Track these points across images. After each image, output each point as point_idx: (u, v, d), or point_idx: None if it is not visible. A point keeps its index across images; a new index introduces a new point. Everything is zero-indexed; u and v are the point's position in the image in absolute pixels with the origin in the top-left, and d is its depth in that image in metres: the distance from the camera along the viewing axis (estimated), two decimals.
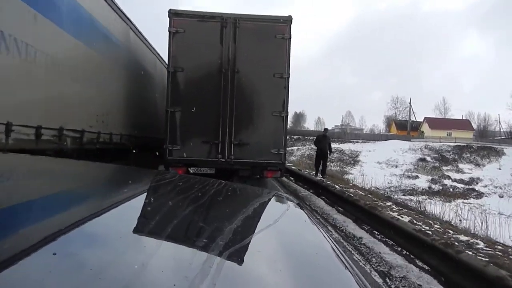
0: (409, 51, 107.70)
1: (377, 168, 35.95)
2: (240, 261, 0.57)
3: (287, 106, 6.68)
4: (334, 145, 44.86)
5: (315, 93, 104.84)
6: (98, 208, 0.74)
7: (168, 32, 6.33)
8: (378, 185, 27.95)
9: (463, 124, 54.48)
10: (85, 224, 0.62)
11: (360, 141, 43.80)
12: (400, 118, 66.83)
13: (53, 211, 0.70)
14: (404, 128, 56.82)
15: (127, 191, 1.03)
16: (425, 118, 56.82)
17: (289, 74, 6.58)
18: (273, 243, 0.73)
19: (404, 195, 29.42)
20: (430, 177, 33.23)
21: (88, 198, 0.88)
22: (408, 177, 33.42)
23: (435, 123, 53.80)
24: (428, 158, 36.66)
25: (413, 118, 54.61)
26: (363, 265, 3.99)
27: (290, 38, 6.50)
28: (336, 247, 0.77)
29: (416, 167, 35.00)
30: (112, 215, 0.71)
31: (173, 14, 6.35)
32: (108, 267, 0.48)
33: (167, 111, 6.43)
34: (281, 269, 0.59)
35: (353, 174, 35.25)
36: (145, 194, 1.01)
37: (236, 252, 0.58)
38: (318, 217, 6.56)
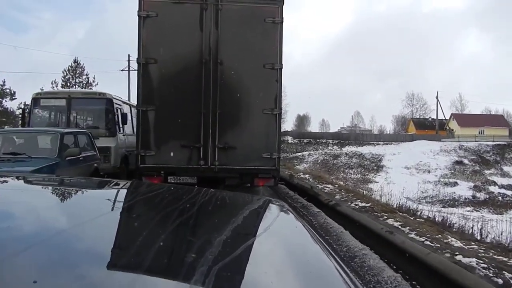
0: (412, 50, 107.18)
1: (406, 174, 31.58)
2: (231, 276, 0.59)
3: (280, 102, 6.12)
4: (351, 148, 40.13)
5: (319, 95, 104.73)
6: (72, 228, 0.75)
7: (137, 17, 5.78)
8: (412, 195, 23.14)
9: (497, 120, 50.29)
10: (61, 246, 0.63)
11: (381, 142, 39.50)
12: (418, 116, 62.21)
13: (23, 233, 0.70)
14: (424, 127, 54.37)
15: (103, 207, 0.98)
16: (452, 114, 52.62)
17: (282, 64, 5.98)
18: (265, 253, 0.74)
19: (444, 206, 24.44)
20: (472, 184, 29.11)
21: (60, 216, 0.87)
22: (446, 184, 29.42)
23: (465, 119, 49.61)
24: (466, 161, 32.62)
25: (440, 115, 49.69)
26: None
27: (282, 22, 5.91)
28: (329, 252, 0.79)
29: (452, 171, 31.09)
30: (91, 235, 0.72)
31: None
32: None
33: (139, 111, 5.94)
34: (272, 281, 0.61)
35: (378, 182, 30.18)
36: (126, 208, 0.99)
37: (226, 266, 0.60)
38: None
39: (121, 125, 8.84)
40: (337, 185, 9.26)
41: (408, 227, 4.45)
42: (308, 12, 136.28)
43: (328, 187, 8.37)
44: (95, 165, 6.90)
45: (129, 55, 33.55)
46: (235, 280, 0.58)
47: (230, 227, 0.83)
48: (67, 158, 5.76)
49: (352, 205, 6.18)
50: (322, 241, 0.87)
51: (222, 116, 5.92)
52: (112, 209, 0.96)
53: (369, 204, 6.15)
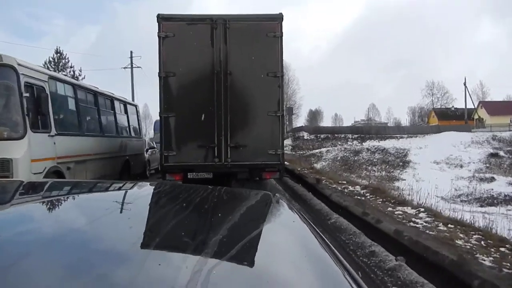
0: (425, 40, 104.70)
1: (436, 169, 29.63)
2: (228, 270, 0.63)
3: (283, 105, 7.24)
4: (373, 143, 38.06)
5: (330, 89, 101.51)
6: (90, 228, 0.82)
7: (157, 37, 6.90)
8: (444, 194, 21.20)
9: None
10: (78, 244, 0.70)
11: (405, 135, 37.38)
12: (440, 106, 59.74)
13: (50, 233, 0.77)
14: (447, 117, 52.38)
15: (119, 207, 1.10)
16: (481, 102, 49.78)
17: (283, 72, 7.12)
18: (262, 247, 0.76)
19: (481, 205, 22.23)
20: (511, 178, 26.42)
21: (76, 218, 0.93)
22: (481, 179, 27.12)
23: (495, 107, 47.49)
24: (501, 153, 30.84)
25: (468, 103, 47.09)
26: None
27: (282, 36, 6.97)
28: (327, 246, 0.81)
29: (487, 165, 29.03)
30: (109, 235, 0.79)
31: (162, 19, 6.89)
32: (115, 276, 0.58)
33: (161, 117, 7.04)
34: (268, 280, 0.63)
35: (405, 180, 28.08)
36: (134, 208, 1.09)
37: (224, 263, 0.64)
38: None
39: (39, 117, 5.60)
40: (421, 209, 5.50)
41: None
42: (317, 6, 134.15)
43: (410, 215, 5.10)
44: None
45: (131, 52, 32.36)
46: (233, 272, 0.62)
47: (227, 224, 0.86)
48: None
49: None
50: (321, 234, 0.92)
51: (233, 119, 6.99)
52: (116, 214, 0.99)
53: None
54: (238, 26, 6.94)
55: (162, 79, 6.88)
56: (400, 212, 5.24)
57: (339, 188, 7.46)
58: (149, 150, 13.52)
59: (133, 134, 11.11)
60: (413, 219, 4.91)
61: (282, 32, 6.94)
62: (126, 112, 10.75)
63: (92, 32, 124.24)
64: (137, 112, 11.97)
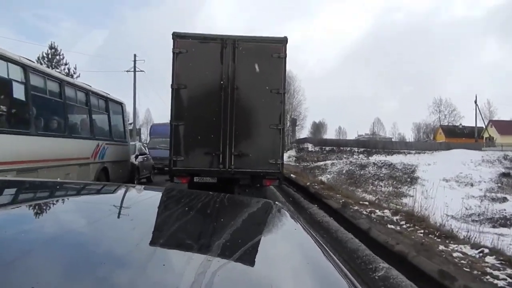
0: (431, 57, 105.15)
1: (446, 187, 28.42)
2: (232, 273, 0.63)
3: (284, 119, 7.84)
4: (379, 157, 37.33)
5: (335, 102, 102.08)
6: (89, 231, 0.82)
7: (172, 53, 7.63)
8: (455, 212, 20.66)
9: None
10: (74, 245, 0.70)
11: (413, 151, 36.67)
12: (447, 123, 59.36)
13: (57, 233, 0.77)
14: (455, 134, 51.83)
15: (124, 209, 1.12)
16: (491, 121, 49.26)
17: (285, 90, 7.76)
18: (265, 253, 0.76)
19: (494, 226, 21.62)
20: None
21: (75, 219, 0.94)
22: (493, 199, 26.26)
23: (506, 126, 46.94)
24: None
25: (478, 121, 46.36)
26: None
27: (285, 57, 7.65)
28: (329, 254, 0.81)
29: (499, 184, 28.01)
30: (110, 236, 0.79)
31: (177, 36, 7.62)
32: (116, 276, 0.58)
33: (171, 125, 7.69)
34: (271, 284, 0.62)
35: (412, 196, 26.68)
36: (138, 211, 1.11)
37: (228, 266, 0.64)
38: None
39: None
40: (485, 250, 4.17)
41: None
42: (324, 19, 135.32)
43: (476, 260, 3.72)
44: None
45: (135, 55, 31.96)
46: (237, 281, 0.61)
47: (228, 230, 0.85)
48: None
49: None
50: (322, 242, 0.89)
51: (237, 130, 7.62)
52: (119, 216, 0.98)
53: None
54: (246, 46, 7.62)
55: (174, 90, 7.54)
56: (460, 255, 3.88)
57: (364, 212, 6.40)
58: (140, 157, 12.40)
59: (115, 136, 9.40)
60: (488, 269, 3.44)
61: (286, 54, 7.61)
62: (107, 110, 9.13)
63: (98, 36, 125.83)
64: (123, 111, 10.37)
